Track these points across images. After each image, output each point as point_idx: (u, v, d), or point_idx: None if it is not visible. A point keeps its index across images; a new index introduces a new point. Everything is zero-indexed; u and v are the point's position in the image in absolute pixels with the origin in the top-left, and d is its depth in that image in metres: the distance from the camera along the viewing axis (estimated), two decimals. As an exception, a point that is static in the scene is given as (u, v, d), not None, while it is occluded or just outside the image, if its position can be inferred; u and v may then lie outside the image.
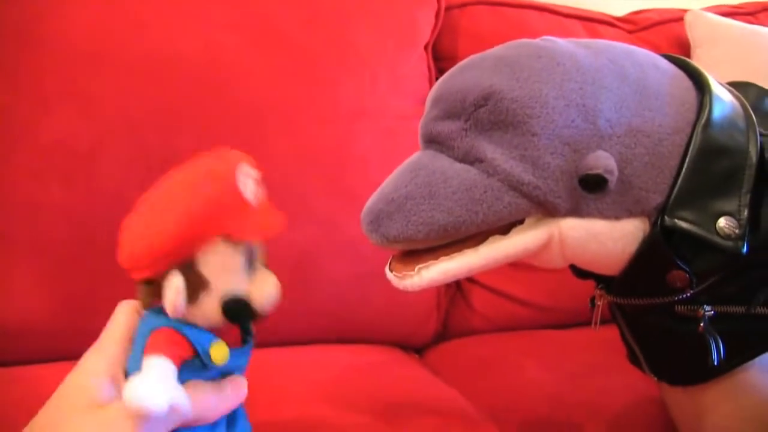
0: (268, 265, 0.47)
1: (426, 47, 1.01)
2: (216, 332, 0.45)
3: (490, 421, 0.73)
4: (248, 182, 0.44)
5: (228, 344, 0.45)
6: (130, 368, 0.44)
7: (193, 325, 0.44)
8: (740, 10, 1.25)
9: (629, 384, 0.74)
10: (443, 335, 1.00)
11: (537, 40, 0.53)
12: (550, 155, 0.48)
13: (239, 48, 0.86)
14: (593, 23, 1.15)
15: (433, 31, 1.01)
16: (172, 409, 0.40)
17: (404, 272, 0.51)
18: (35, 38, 0.79)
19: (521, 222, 0.51)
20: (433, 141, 0.52)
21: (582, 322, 0.96)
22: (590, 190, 0.49)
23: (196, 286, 0.43)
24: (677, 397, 0.61)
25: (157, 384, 0.40)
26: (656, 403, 0.68)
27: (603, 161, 0.48)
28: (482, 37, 1.05)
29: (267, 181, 0.83)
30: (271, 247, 0.84)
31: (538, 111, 0.48)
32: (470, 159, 0.50)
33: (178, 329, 0.43)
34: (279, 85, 0.87)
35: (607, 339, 0.65)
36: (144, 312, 0.46)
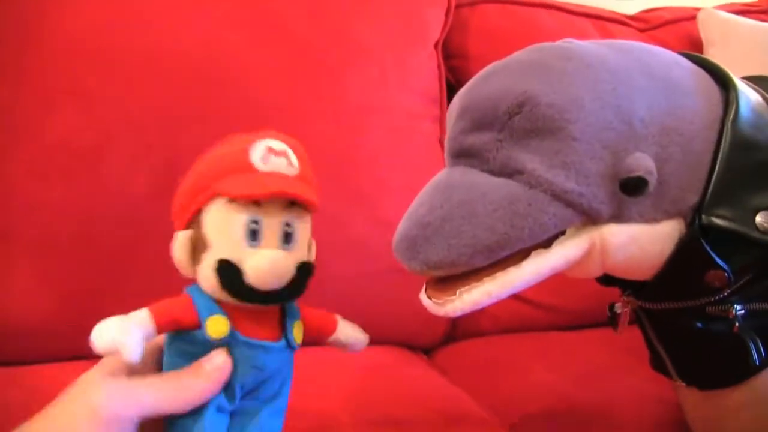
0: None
1: (436, 45, 1.00)
2: (239, 312, 0.44)
3: (498, 423, 0.73)
4: (265, 152, 0.44)
5: (260, 337, 0.44)
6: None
7: (206, 295, 0.43)
8: (753, 8, 1.24)
9: (639, 386, 0.73)
10: (452, 336, 0.98)
11: (559, 42, 0.52)
12: (590, 160, 0.46)
13: (244, 45, 0.85)
14: (604, 21, 1.14)
15: (443, 29, 1.01)
16: (114, 350, 0.40)
17: (444, 297, 0.48)
18: (38, 36, 0.79)
19: (563, 233, 0.49)
20: (463, 155, 0.50)
21: (592, 323, 0.95)
22: (631, 193, 0.47)
23: (198, 244, 0.43)
24: (696, 401, 0.59)
25: (115, 324, 0.40)
26: (666, 404, 0.67)
27: (643, 162, 0.47)
28: (492, 36, 1.04)
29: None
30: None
31: (576, 115, 0.46)
32: (508, 171, 0.47)
33: (192, 295, 0.43)
34: (284, 82, 0.86)
35: (617, 340, 0.64)
36: None
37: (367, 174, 0.88)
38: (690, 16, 1.19)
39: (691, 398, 0.60)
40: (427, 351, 0.97)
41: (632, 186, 0.47)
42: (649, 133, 0.47)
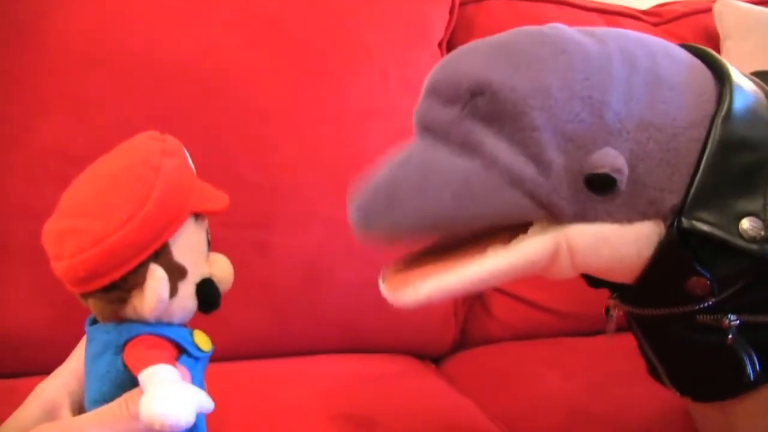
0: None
1: (440, 44, 0.98)
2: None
3: (506, 435, 0.70)
4: (189, 157, 0.43)
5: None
6: (90, 396, 0.40)
7: (166, 324, 0.40)
8: (775, -3, 1.20)
9: (655, 394, 0.69)
10: (461, 344, 0.96)
11: (541, 27, 0.49)
12: (552, 151, 0.44)
13: (242, 48, 0.84)
14: (615, 16, 1.11)
15: (447, 28, 0.98)
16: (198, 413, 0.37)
17: (398, 286, 0.47)
18: (31, 41, 0.78)
19: (524, 232, 0.46)
20: (428, 130, 0.48)
21: (604, 329, 0.92)
22: (598, 192, 0.44)
23: (174, 275, 0.39)
24: (705, 411, 0.57)
25: (178, 395, 0.36)
26: (681, 413, 0.65)
27: (610, 159, 0.44)
28: (498, 33, 1.02)
29: (274, 185, 0.82)
30: (279, 253, 0.82)
31: (540, 102, 0.44)
32: (467, 150, 0.45)
33: (152, 332, 0.39)
34: (284, 85, 0.84)
35: (632, 347, 0.61)
36: (88, 330, 0.42)
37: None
38: (706, 8, 1.15)
39: (701, 408, 0.57)
40: (436, 360, 0.95)
41: (599, 184, 0.44)
42: (623, 127, 0.44)
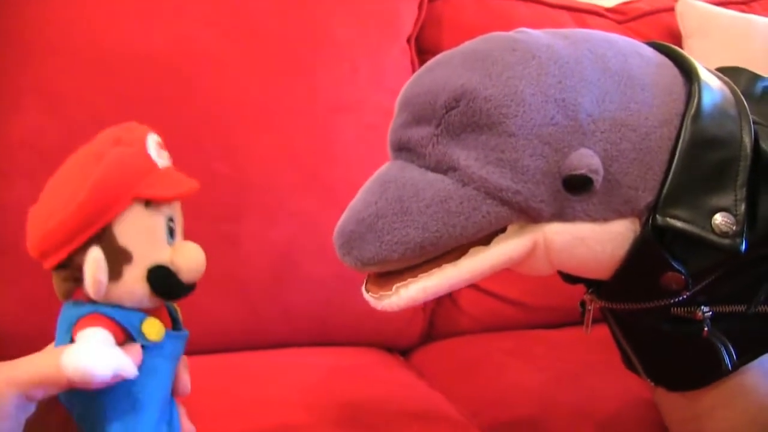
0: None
1: (409, 40, 0.99)
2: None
3: (474, 425, 0.71)
4: (157, 148, 0.43)
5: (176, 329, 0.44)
6: None
7: (119, 307, 0.40)
8: (733, -1, 1.23)
9: (620, 385, 0.72)
10: (429, 336, 0.97)
11: (510, 33, 0.50)
12: (529, 157, 0.44)
13: (213, 41, 0.83)
14: (581, 14, 1.12)
15: (416, 24, 0.99)
16: (117, 376, 0.37)
17: (381, 292, 0.48)
18: (4, 34, 0.77)
19: (503, 231, 0.47)
20: (402, 149, 0.49)
21: (572, 321, 0.93)
22: (575, 192, 0.45)
23: (117, 259, 0.40)
24: (673, 401, 0.58)
25: (98, 349, 0.38)
26: (648, 404, 0.66)
27: (587, 160, 0.45)
28: (467, 30, 1.01)
29: (244, 179, 0.82)
30: (249, 247, 0.82)
31: (514, 109, 0.44)
32: (443, 167, 0.46)
33: (104, 313, 0.40)
34: (255, 79, 0.84)
35: (598, 339, 0.63)
36: (63, 305, 0.42)
37: (340, 172, 0.87)
38: (668, 7, 1.17)
39: (668, 399, 0.59)
40: (404, 352, 0.96)
41: (576, 184, 0.45)
42: (597, 128, 0.45)
